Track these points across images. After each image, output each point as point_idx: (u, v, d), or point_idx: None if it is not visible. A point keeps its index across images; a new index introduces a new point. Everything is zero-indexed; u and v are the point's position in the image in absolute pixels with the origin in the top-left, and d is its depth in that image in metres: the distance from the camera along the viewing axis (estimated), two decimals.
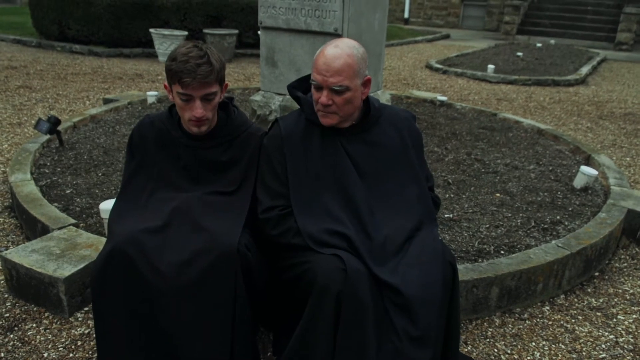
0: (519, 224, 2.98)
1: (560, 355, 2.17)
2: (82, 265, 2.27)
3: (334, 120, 1.81)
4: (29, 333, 2.16)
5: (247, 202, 1.90)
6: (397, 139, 1.93)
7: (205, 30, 8.92)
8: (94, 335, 1.91)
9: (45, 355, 2.04)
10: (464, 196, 3.32)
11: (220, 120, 1.95)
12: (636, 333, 2.35)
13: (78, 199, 3.05)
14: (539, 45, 12.57)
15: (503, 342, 2.24)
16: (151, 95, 5.33)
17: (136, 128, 2.01)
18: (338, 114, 1.79)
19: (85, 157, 3.73)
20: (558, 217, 3.07)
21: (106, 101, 5.38)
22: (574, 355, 2.18)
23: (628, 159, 4.85)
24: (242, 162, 1.95)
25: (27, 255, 2.34)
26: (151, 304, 1.73)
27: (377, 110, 1.93)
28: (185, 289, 1.71)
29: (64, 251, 2.38)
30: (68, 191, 3.15)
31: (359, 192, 1.83)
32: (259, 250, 1.85)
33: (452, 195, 3.31)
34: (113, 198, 2.92)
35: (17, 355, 2.03)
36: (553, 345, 2.23)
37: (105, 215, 2.57)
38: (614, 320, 2.44)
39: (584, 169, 3.55)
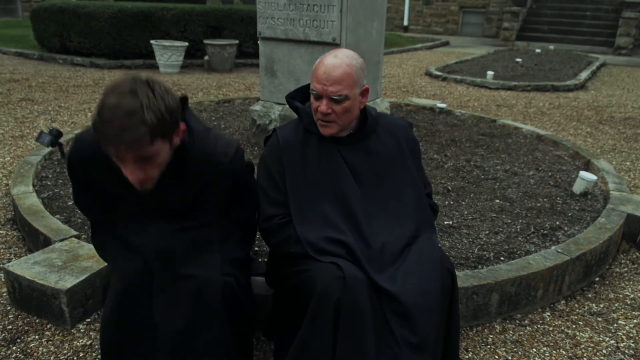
0: (518, 230, 2.98)
1: None
2: (83, 277, 2.29)
3: (333, 129, 1.83)
4: (32, 345, 2.17)
5: (215, 230, 1.81)
6: (394, 146, 1.95)
7: (206, 41, 8.97)
8: (96, 347, 1.93)
9: None
10: (463, 203, 3.33)
11: (175, 160, 1.63)
12: (637, 338, 2.35)
13: (80, 211, 3.07)
14: (538, 51, 12.62)
15: (504, 349, 2.24)
16: None
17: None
18: (337, 122, 1.81)
19: None
20: (557, 223, 3.08)
21: None
22: None
23: (628, 163, 4.85)
24: (202, 192, 1.77)
25: (29, 267, 2.35)
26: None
27: (375, 118, 1.95)
28: (178, 335, 1.69)
29: (66, 263, 2.39)
30: (70, 203, 3.17)
31: (357, 200, 1.85)
32: (244, 274, 1.84)
33: (451, 202, 3.33)
34: None
35: None
36: (554, 351, 2.23)
37: None
38: (615, 325, 2.44)
39: (584, 174, 3.56)
